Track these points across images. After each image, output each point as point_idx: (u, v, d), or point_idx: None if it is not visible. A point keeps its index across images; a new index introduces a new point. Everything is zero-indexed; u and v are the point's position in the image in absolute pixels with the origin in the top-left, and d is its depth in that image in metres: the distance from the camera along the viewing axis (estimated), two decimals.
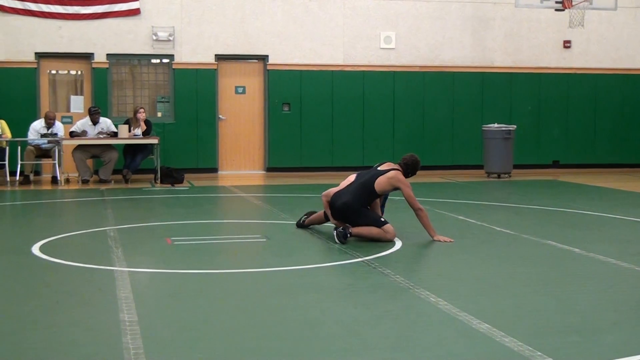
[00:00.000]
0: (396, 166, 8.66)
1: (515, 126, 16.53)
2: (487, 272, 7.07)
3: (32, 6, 15.79)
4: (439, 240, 8.33)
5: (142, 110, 15.30)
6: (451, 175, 16.78)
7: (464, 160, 17.76)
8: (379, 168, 8.68)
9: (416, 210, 8.43)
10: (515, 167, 16.89)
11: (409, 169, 8.64)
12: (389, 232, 8.32)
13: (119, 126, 15.00)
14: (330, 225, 8.99)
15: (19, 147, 14.54)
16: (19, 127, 14.89)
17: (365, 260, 7.35)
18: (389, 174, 8.51)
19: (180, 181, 14.91)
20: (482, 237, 8.82)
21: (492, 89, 17.90)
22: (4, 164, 14.47)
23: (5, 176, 14.44)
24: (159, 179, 14.90)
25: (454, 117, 17.78)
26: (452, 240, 8.36)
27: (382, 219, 8.38)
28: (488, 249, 8.25)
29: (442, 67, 17.65)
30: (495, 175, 16.42)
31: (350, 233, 8.21)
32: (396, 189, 8.50)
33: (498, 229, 9.31)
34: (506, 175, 16.43)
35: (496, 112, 17.67)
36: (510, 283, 6.60)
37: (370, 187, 8.46)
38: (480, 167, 17.04)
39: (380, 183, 8.47)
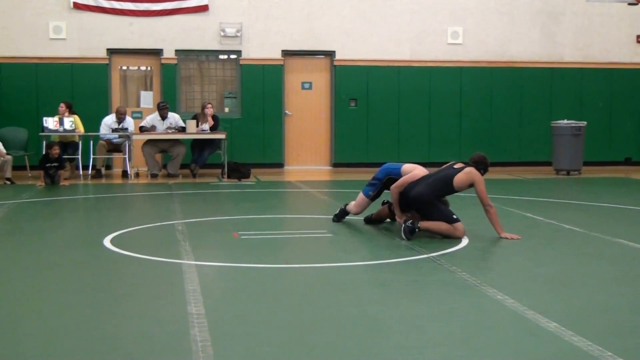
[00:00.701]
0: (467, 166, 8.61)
1: (585, 122, 16.22)
2: (555, 270, 6.97)
3: (105, 3, 16.11)
4: (506, 237, 8.24)
5: (209, 105, 15.47)
6: (519, 172, 16.56)
7: (531, 156, 17.52)
8: (454, 167, 8.65)
9: (486, 207, 8.36)
10: (586, 164, 16.59)
11: (480, 167, 8.58)
12: (459, 230, 8.26)
13: (187, 121, 15.20)
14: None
15: (91, 142, 14.87)
16: (91, 122, 15.22)
17: (431, 256, 7.31)
18: (466, 170, 8.47)
19: (247, 176, 15.04)
20: (550, 235, 8.69)
21: (561, 85, 17.61)
22: (77, 158, 14.80)
23: (78, 170, 14.77)
24: (226, 174, 15.05)
25: (522, 113, 17.55)
26: (519, 237, 8.26)
27: (454, 216, 8.31)
28: (556, 247, 8.12)
29: (510, 63, 17.43)
30: (564, 172, 16.15)
31: (418, 228, 8.17)
32: (471, 185, 8.45)
33: (567, 226, 9.16)
34: (576, 173, 16.15)
35: (566, 108, 17.38)
36: (579, 281, 6.49)
37: (449, 182, 8.41)
38: (548, 164, 16.77)
39: (459, 179, 8.40)
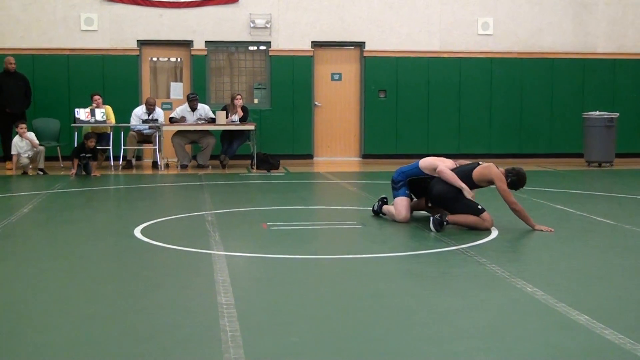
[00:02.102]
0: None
1: (618, 114, 16.04)
2: (586, 262, 6.92)
3: None
4: (540, 230, 8.17)
5: (239, 96, 15.51)
6: (549, 163, 16.44)
7: (563, 148, 17.37)
8: (479, 163, 8.61)
9: (510, 205, 8.27)
10: (618, 155, 16.41)
11: (510, 175, 8.31)
12: (487, 221, 8.22)
13: (217, 112, 15.25)
14: (421, 214, 8.96)
15: (122, 133, 14.97)
16: (122, 113, 15.33)
17: (461, 248, 7.28)
18: (485, 164, 8.43)
19: (276, 167, 15.07)
20: (582, 227, 8.62)
21: (593, 76, 17.42)
22: (108, 149, 14.92)
23: (109, 161, 14.89)
24: (255, 165, 15.09)
25: (553, 105, 17.40)
26: (552, 230, 8.20)
27: (480, 207, 8.28)
28: (588, 239, 8.06)
29: (542, 54, 17.28)
30: (596, 164, 15.99)
31: (446, 221, 8.15)
32: (491, 182, 8.36)
33: (598, 218, 9.08)
34: (607, 164, 15.99)
35: (598, 100, 17.20)
36: (611, 274, 6.44)
37: (469, 175, 8.37)
38: (580, 155, 16.62)
39: (477, 172, 8.37)
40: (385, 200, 9.22)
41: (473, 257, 6.91)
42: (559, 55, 17.33)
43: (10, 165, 14.15)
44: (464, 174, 8.42)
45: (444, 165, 8.53)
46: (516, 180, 8.34)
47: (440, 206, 8.50)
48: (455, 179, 8.35)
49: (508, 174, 8.38)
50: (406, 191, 8.82)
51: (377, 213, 9.17)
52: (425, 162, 8.77)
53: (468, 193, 8.33)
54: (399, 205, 8.78)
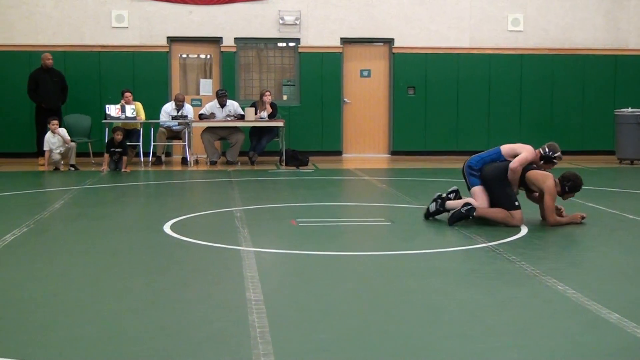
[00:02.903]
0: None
1: None
2: (618, 261, 6.85)
3: None
4: (580, 218, 8.27)
5: (268, 93, 15.54)
6: (580, 160, 16.29)
7: (594, 145, 17.21)
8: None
9: (550, 224, 8.22)
10: None
11: (565, 182, 8.38)
12: (516, 218, 8.17)
13: (246, 109, 15.30)
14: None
15: (152, 129, 15.07)
16: (152, 110, 15.42)
17: (490, 245, 7.25)
18: (544, 172, 8.36)
19: (305, 164, 15.08)
20: (613, 225, 8.53)
21: (625, 73, 17.24)
22: (138, 145, 15.02)
23: (139, 157, 15.00)
24: (284, 162, 15.11)
25: (584, 102, 17.25)
26: (584, 215, 8.29)
27: (517, 203, 8.21)
28: (619, 237, 7.98)
29: (573, 50, 17.13)
30: (628, 161, 15.83)
31: (473, 216, 8.11)
32: (540, 190, 8.30)
33: (631, 216, 8.99)
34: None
35: (630, 96, 17.01)
36: None
37: (522, 174, 8.35)
38: (611, 152, 16.46)
39: (533, 175, 8.31)
40: (442, 197, 8.56)
41: (502, 254, 6.88)
42: (590, 52, 17.16)
43: (43, 161, 14.30)
44: (498, 157, 8.45)
45: (520, 163, 8.31)
46: (572, 185, 8.40)
47: (484, 185, 8.38)
48: (515, 182, 8.35)
49: (564, 181, 8.38)
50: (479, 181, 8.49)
51: (433, 215, 8.53)
52: (508, 148, 8.56)
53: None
54: (481, 195, 8.40)
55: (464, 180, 8.65)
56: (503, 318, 5.03)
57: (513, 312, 5.18)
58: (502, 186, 8.30)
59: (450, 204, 8.45)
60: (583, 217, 8.40)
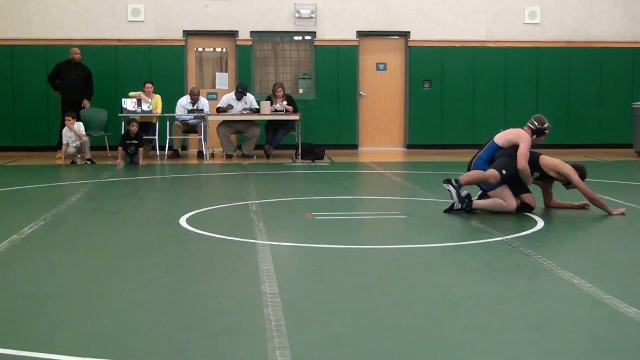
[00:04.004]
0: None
1: None
2: (635, 254, 6.81)
3: None
4: (618, 214, 8.33)
5: (279, 90, 15.42)
6: (597, 154, 16.20)
7: (611, 138, 17.11)
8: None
9: (588, 195, 8.45)
10: None
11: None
12: (510, 204, 8.34)
13: (261, 102, 15.30)
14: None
15: (168, 123, 15.11)
16: (168, 104, 15.46)
17: (506, 239, 7.22)
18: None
19: (321, 157, 15.08)
20: (630, 219, 8.47)
21: None
22: (154, 139, 15.07)
23: (155, 150, 15.04)
24: (300, 155, 15.12)
25: (602, 95, 17.14)
26: (624, 210, 8.41)
27: (504, 172, 8.35)
28: (636, 230, 7.93)
29: (590, 43, 17.02)
30: None
31: (470, 208, 8.24)
32: (560, 175, 8.44)
33: None
34: None
35: None
36: None
37: (536, 162, 8.52)
38: (629, 146, 16.36)
39: (499, 140, 8.66)
40: (471, 198, 8.51)
41: (518, 247, 6.85)
42: (608, 45, 17.05)
43: (60, 154, 14.38)
44: (532, 158, 8.52)
45: (525, 159, 8.43)
46: (581, 173, 8.61)
47: (495, 168, 8.45)
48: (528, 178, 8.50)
49: (577, 169, 8.61)
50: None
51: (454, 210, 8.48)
52: (503, 140, 8.74)
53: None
54: (507, 196, 8.42)
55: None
56: (519, 312, 5.01)
57: (529, 305, 5.16)
58: (507, 158, 8.48)
59: (479, 204, 8.58)
60: (621, 213, 8.45)
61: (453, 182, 8.41)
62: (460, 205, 8.45)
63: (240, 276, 5.96)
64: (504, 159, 8.49)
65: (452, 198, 8.44)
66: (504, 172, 8.34)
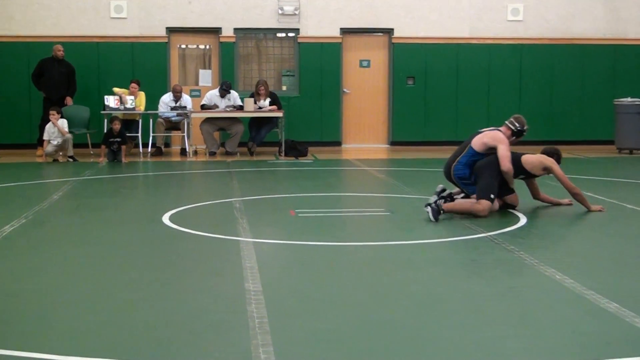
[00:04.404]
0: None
1: None
2: (616, 250, 6.85)
3: None
4: (596, 210, 8.38)
5: (262, 88, 15.35)
6: (580, 150, 16.28)
7: (593, 135, 17.19)
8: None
9: (571, 190, 8.49)
10: None
11: (554, 158, 8.57)
12: (483, 210, 8.03)
13: (245, 99, 15.26)
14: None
15: (151, 120, 15.05)
16: (151, 101, 15.39)
17: (489, 235, 7.25)
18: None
19: (304, 154, 15.07)
20: (612, 215, 8.53)
21: (625, 62, 17.21)
22: (137, 136, 15.01)
23: (138, 147, 14.98)
24: (283, 152, 15.10)
25: (584, 91, 17.22)
26: (603, 208, 8.37)
27: (491, 196, 8.13)
28: (618, 226, 7.98)
29: (573, 40, 17.09)
30: (627, 151, 15.82)
31: (443, 210, 8.02)
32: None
33: (629, 206, 8.98)
34: (639, 151, 15.81)
35: (630, 86, 16.97)
36: None
37: (518, 163, 8.45)
38: (611, 142, 16.45)
39: (528, 160, 8.53)
40: (443, 199, 8.27)
41: (501, 244, 6.88)
42: (590, 42, 17.12)
43: (41, 151, 14.29)
44: (514, 162, 8.41)
45: (509, 161, 8.30)
46: (558, 158, 8.67)
47: (483, 197, 8.22)
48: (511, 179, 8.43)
49: (553, 156, 8.64)
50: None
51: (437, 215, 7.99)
52: (479, 144, 8.49)
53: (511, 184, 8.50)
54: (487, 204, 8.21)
55: (451, 183, 8.68)
56: (502, 307, 5.03)
57: (512, 301, 5.18)
58: (482, 176, 8.28)
59: (450, 206, 8.37)
60: (599, 210, 8.50)
61: (433, 205, 7.96)
62: (435, 198, 8.17)
63: (224, 273, 5.95)
64: (485, 177, 8.21)
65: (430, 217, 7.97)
66: (492, 196, 8.19)
